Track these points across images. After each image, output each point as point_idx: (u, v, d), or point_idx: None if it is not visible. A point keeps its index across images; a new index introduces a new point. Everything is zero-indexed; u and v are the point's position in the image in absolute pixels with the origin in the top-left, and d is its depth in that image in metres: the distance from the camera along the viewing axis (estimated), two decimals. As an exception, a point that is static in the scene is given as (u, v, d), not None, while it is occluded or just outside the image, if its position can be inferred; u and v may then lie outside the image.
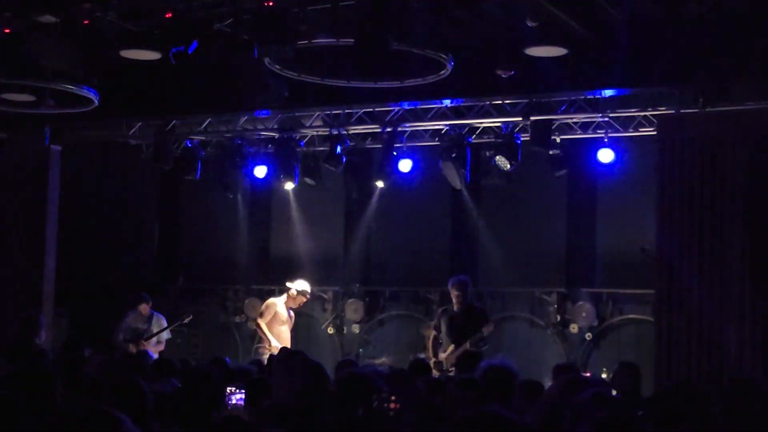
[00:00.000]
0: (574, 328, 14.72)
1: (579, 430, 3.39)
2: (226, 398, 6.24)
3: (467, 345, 11.95)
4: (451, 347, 12.12)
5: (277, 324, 13.71)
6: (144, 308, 13.87)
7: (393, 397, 4.83)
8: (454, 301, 12.38)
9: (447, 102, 13.17)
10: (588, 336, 14.64)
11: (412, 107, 13.47)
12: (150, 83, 12.54)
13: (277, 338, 13.56)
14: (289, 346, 13.18)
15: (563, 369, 8.92)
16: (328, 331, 16.22)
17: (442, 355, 12.17)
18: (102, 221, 17.08)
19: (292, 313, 13.98)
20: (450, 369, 11.84)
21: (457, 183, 13.66)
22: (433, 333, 12.51)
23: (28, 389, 5.85)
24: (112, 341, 13.70)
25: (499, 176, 13.54)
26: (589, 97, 12.56)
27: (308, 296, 14.03)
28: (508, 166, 13.13)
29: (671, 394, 5.68)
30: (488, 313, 12.78)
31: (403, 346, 15.10)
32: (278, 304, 13.86)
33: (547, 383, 9.44)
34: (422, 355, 12.81)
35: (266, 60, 10.50)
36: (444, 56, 10.53)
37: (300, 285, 13.93)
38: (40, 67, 11.00)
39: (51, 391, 5.96)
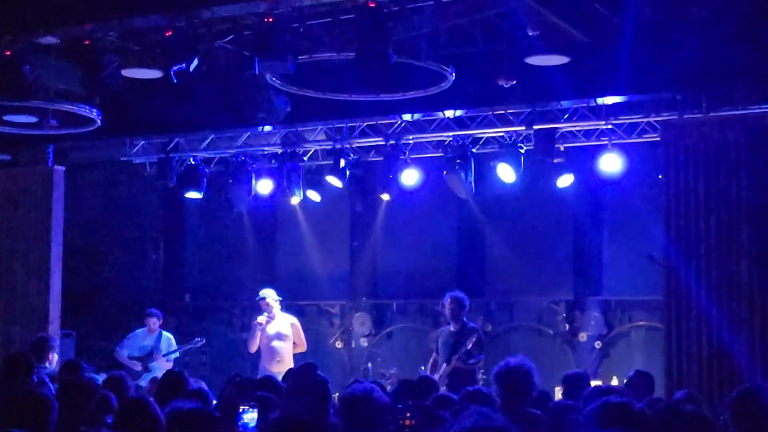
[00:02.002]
0: (583, 337, 14.68)
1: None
2: (239, 416, 6.20)
3: (454, 362, 11.89)
4: (444, 366, 12.05)
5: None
6: (153, 323, 13.82)
7: (408, 414, 4.80)
8: (446, 316, 12.30)
9: (450, 113, 13.16)
10: (597, 344, 14.59)
11: (415, 119, 13.46)
12: (152, 101, 12.53)
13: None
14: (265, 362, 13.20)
15: (573, 379, 8.88)
16: (336, 345, 16.19)
17: (436, 376, 12.05)
18: (107, 240, 17.07)
19: (279, 325, 13.61)
20: (443, 388, 11.74)
21: (462, 193, 13.63)
22: (433, 355, 12.44)
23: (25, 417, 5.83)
24: (116, 356, 13.66)
25: (503, 186, 13.51)
26: (591, 104, 12.54)
27: (267, 300, 13.65)
28: (513, 175, 13.11)
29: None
30: (480, 331, 12.51)
31: (412, 359, 15.05)
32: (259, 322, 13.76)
33: (557, 392, 9.42)
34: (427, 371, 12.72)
35: (267, 75, 10.49)
36: (445, 67, 10.51)
37: (262, 292, 13.76)
38: (41, 88, 11.01)
39: (46, 419, 5.92)
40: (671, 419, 5.14)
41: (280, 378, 12.15)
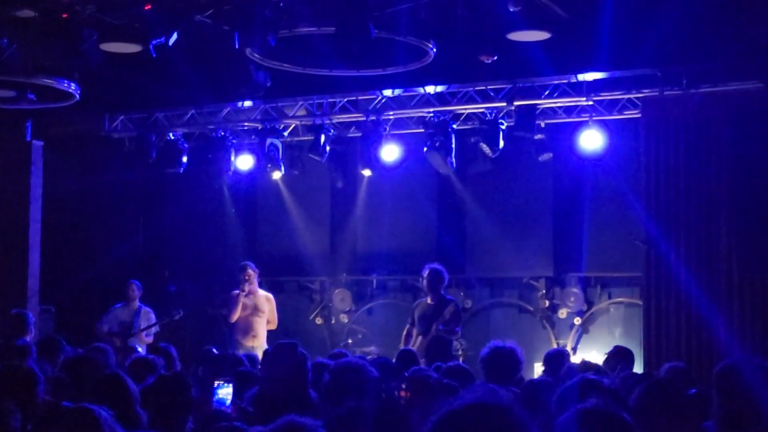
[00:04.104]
0: (562, 313, 14.71)
1: (561, 418, 3.32)
2: (213, 391, 6.17)
3: (434, 331, 11.84)
4: (420, 339, 12.00)
5: None
6: (133, 290, 13.75)
7: (403, 385, 4.79)
8: (425, 289, 12.28)
9: (431, 89, 13.13)
10: (577, 320, 14.62)
11: (396, 95, 13.42)
12: (131, 76, 12.45)
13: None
14: (239, 336, 13.20)
15: (554, 356, 8.90)
16: (317, 321, 16.16)
17: (411, 347, 12.01)
18: (86, 216, 16.96)
19: (257, 300, 13.50)
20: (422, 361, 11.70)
21: (443, 169, 13.62)
22: (407, 327, 12.38)
23: (11, 390, 5.83)
24: (96, 332, 13.59)
25: (484, 162, 13.50)
26: (572, 80, 12.53)
27: (249, 271, 13.57)
28: (493, 151, 13.10)
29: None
30: (458, 303, 12.43)
31: (392, 335, 15.04)
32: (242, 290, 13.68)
33: (539, 369, 9.45)
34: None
35: (247, 50, 10.43)
36: (426, 43, 10.47)
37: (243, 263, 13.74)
38: (19, 62, 10.92)
39: (33, 391, 5.93)
40: (649, 395, 5.16)
41: (253, 353, 12.20)
